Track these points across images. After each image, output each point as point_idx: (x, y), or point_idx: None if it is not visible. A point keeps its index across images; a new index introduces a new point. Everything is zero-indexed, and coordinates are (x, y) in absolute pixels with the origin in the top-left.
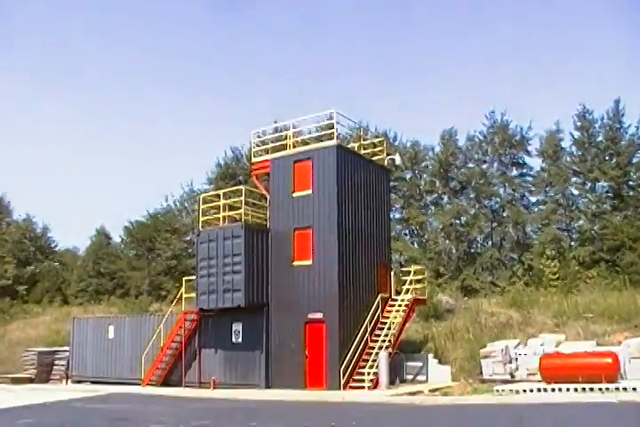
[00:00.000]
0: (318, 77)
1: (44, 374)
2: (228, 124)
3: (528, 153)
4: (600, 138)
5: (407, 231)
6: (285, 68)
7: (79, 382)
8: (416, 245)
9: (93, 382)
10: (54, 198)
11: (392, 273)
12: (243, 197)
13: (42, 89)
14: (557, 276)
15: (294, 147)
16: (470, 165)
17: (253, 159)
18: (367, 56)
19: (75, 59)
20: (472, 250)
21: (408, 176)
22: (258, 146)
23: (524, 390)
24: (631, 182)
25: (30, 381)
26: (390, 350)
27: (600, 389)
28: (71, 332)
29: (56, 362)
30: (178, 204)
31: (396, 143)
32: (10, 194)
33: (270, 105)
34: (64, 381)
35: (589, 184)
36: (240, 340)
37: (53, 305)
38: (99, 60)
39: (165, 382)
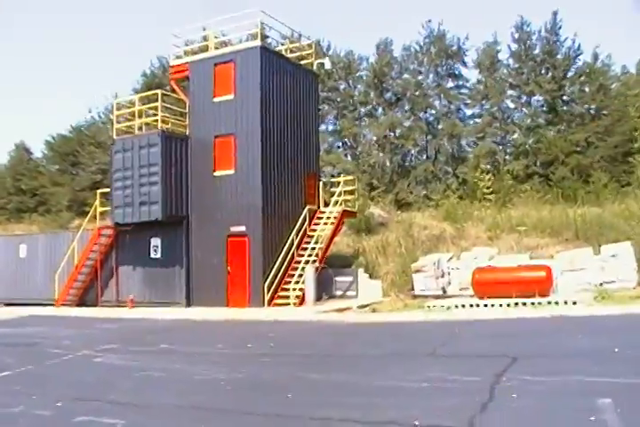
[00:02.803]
0: None
1: None
2: (157, 34)
3: (465, 64)
4: (537, 51)
5: (341, 144)
6: None
7: None
8: (350, 157)
9: (7, 305)
10: None
11: (321, 184)
12: (159, 102)
13: None
14: (491, 190)
15: (216, 49)
16: (406, 75)
17: (172, 62)
18: None
19: None
20: (406, 163)
21: (342, 87)
22: (178, 47)
23: (456, 306)
24: (565, 97)
25: None
26: (317, 264)
27: (533, 303)
28: None
29: None
30: (103, 116)
31: (330, 53)
32: None
33: (202, 12)
34: None
35: (525, 98)
36: (159, 255)
37: None
38: None
39: (82, 302)
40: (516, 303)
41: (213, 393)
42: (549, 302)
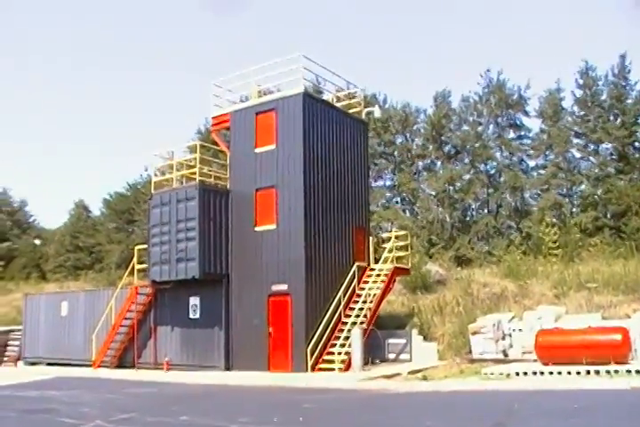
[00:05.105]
0: (304, 36)
1: None
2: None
3: (526, 114)
4: (604, 96)
5: (398, 199)
6: (270, 28)
7: (33, 364)
8: (408, 213)
9: (49, 364)
10: (32, 173)
11: (370, 239)
12: (197, 154)
13: (12, 59)
14: (558, 244)
15: (258, 97)
16: (465, 127)
17: (213, 113)
18: (355, 14)
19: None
20: (467, 218)
21: (399, 140)
22: (219, 97)
23: (517, 373)
24: (637, 143)
25: None
26: (365, 325)
27: (608, 371)
28: (24, 310)
29: (10, 342)
30: (159, 174)
31: (386, 106)
32: None
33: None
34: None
35: (592, 146)
36: (198, 316)
37: (29, 282)
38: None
39: (120, 364)
40: (588, 371)
41: None
42: (628, 371)
